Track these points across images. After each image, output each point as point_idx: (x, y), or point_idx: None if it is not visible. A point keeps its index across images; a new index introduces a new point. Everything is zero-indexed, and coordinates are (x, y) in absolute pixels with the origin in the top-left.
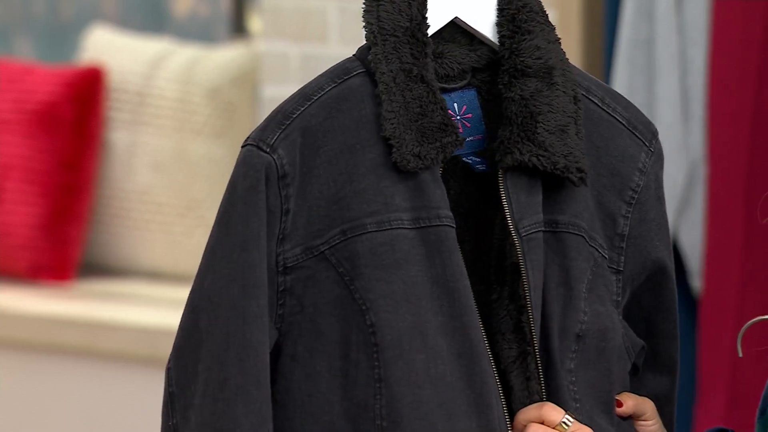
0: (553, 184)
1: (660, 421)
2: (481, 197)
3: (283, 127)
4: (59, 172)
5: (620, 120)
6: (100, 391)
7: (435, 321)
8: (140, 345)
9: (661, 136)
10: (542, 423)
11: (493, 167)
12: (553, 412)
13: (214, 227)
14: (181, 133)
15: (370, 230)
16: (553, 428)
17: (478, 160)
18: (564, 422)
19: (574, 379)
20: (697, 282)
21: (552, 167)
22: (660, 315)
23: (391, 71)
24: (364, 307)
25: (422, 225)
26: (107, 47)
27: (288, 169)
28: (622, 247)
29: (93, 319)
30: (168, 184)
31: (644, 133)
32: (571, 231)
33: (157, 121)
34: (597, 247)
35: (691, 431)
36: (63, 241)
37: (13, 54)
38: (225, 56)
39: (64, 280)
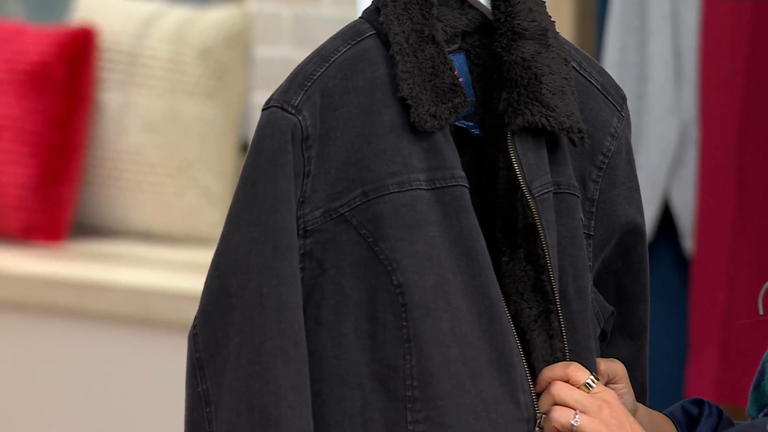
0: (548, 147)
1: (630, 385)
2: (476, 161)
3: (305, 89)
4: (51, 133)
5: (595, 84)
6: (92, 351)
7: (455, 281)
8: (132, 306)
9: (653, 97)
10: (567, 382)
11: (486, 132)
12: (579, 371)
13: (238, 191)
14: (173, 93)
15: (392, 191)
16: (578, 387)
17: (471, 124)
18: (588, 383)
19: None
20: (688, 243)
21: (559, 127)
22: (630, 279)
23: (404, 32)
24: (390, 268)
25: (438, 185)
26: (99, 7)
27: (311, 131)
28: (592, 212)
29: (85, 280)
30: (160, 145)
31: (616, 98)
32: (571, 192)
33: (149, 81)
34: (585, 208)
35: (682, 392)
36: (55, 201)
37: (4, 14)
38: (217, 17)
39: (56, 241)
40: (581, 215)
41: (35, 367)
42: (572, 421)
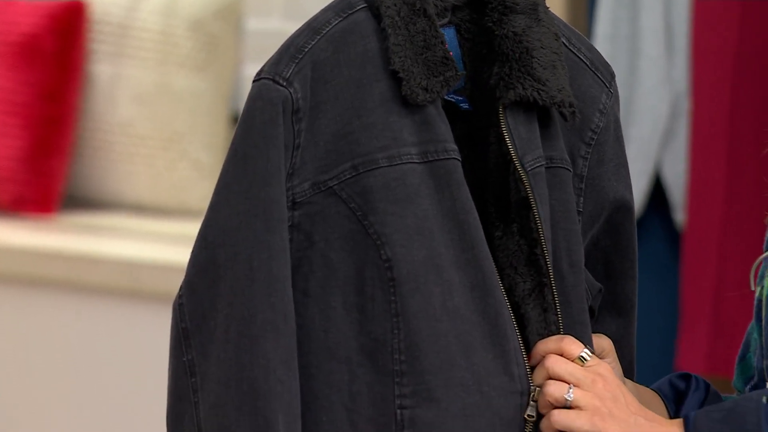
0: (540, 122)
1: (617, 360)
2: (465, 136)
3: (297, 61)
4: (41, 105)
5: (584, 60)
6: (83, 323)
7: (447, 254)
8: (122, 278)
9: (644, 70)
10: (561, 355)
11: (476, 106)
12: (573, 345)
13: (228, 162)
14: (164, 65)
15: (382, 165)
16: (572, 361)
17: (460, 98)
18: (582, 356)
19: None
20: (680, 215)
21: (550, 101)
22: (618, 255)
23: (395, 5)
24: (378, 242)
25: (430, 159)
26: None
27: (302, 103)
28: (581, 188)
29: (76, 252)
30: (150, 117)
31: (605, 74)
32: (564, 166)
33: (140, 53)
34: (581, 189)
35: (673, 365)
36: (46, 173)
37: None
38: None
39: (46, 213)
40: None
41: (25, 339)
42: (566, 396)
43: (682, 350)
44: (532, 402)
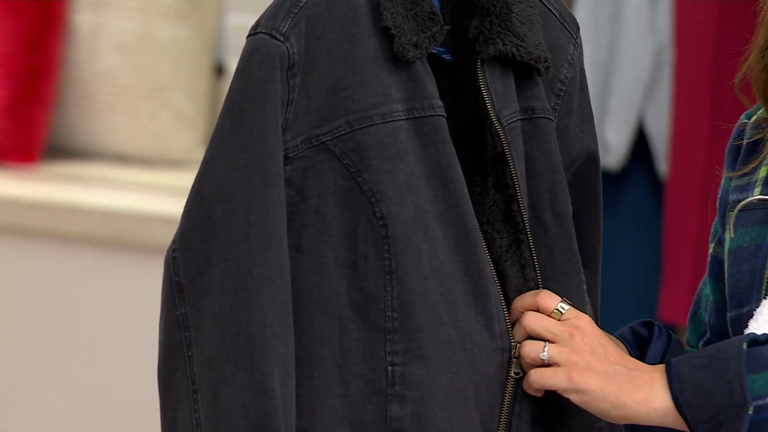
0: (518, 74)
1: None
2: (444, 88)
3: (292, 16)
4: (23, 54)
5: (553, 11)
6: (65, 273)
7: (432, 211)
8: (105, 228)
9: (628, 19)
10: (538, 310)
11: (455, 58)
12: (548, 299)
13: (223, 117)
14: (146, 14)
15: (376, 122)
16: (548, 315)
17: (442, 50)
18: (558, 309)
19: (579, 258)
20: (662, 165)
21: (528, 57)
22: (583, 207)
23: None
24: (373, 200)
25: (417, 115)
26: None
27: (297, 58)
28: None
29: (58, 202)
30: (133, 67)
31: (571, 25)
32: (546, 116)
33: (122, 2)
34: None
35: (655, 313)
36: (28, 123)
37: None
38: None
39: (29, 163)
40: None
41: (6, 289)
42: (541, 356)
43: (664, 300)
44: (514, 359)
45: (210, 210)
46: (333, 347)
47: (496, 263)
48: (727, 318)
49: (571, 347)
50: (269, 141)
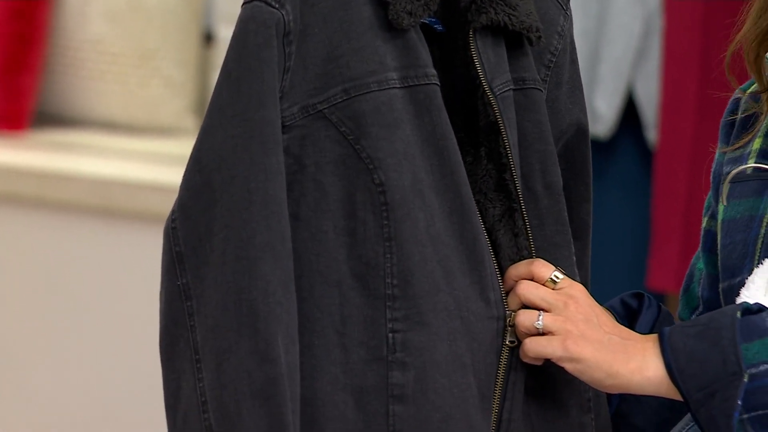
0: (509, 45)
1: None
2: (436, 59)
3: None
4: (12, 22)
5: None
6: (54, 241)
7: (428, 180)
8: (94, 195)
9: None
10: (532, 279)
11: (447, 28)
12: (542, 268)
13: (220, 85)
14: None
15: (373, 89)
16: (543, 284)
17: (433, 20)
18: (552, 278)
19: (570, 229)
20: (652, 134)
21: (520, 26)
22: (573, 179)
23: None
24: (371, 166)
25: (411, 84)
26: None
27: (292, 26)
28: None
29: (47, 170)
30: (122, 34)
31: None
32: (537, 87)
33: None
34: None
35: (644, 281)
36: (17, 90)
37: None
38: None
39: (18, 130)
40: None
41: None
42: (536, 324)
43: (653, 269)
44: (509, 327)
45: (209, 179)
46: (333, 315)
47: (489, 232)
48: (720, 289)
49: (565, 316)
50: (267, 108)
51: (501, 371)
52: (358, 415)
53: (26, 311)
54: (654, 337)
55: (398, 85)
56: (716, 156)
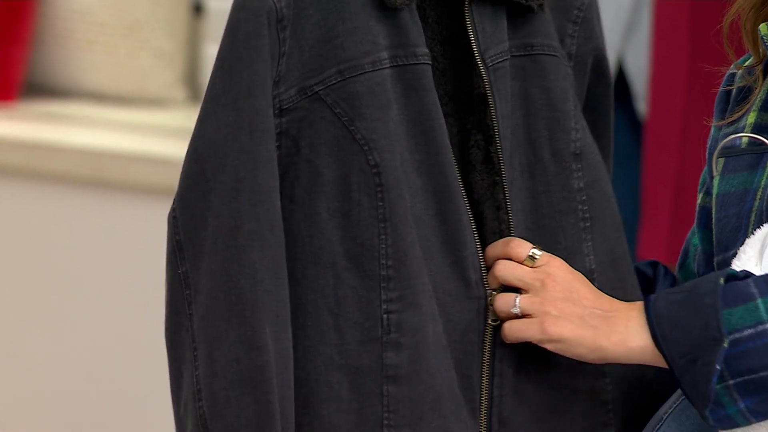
0: (515, 12)
1: None
2: (454, 26)
3: None
4: None
5: None
6: (44, 212)
7: (412, 160)
8: (84, 167)
9: None
10: (510, 258)
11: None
12: (519, 247)
13: (214, 74)
14: None
15: (367, 70)
16: (521, 262)
17: None
18: (530, 255)
19: (584, 197)
20: (642, 105)
21: None
22: (597, 134)
23: None
24: (366, 148)
25: (400, 63)
26: None
27: (285, 11)
28: (570, 66)
29: (36, 140)
30: (111, 5)
31: None
32: (547, 53)
33: None
34: (569, 66)
35: (635, 252)
36: (6, 61)
37: None
38: None
39: (7, 101)
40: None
41: None
42: (513, 310)
43: (643, 240)
44: (490, 306)
45: (204, 167)
46: (327, 296)
47: (478, 204)
48: (714, 264)
49: (542, 297)
50: (257, 98)
51: (486, 349)
52: (353, 396)
53: (15, 282)
54: (639, 305)
55: (388, 65)
56: (711, 130)
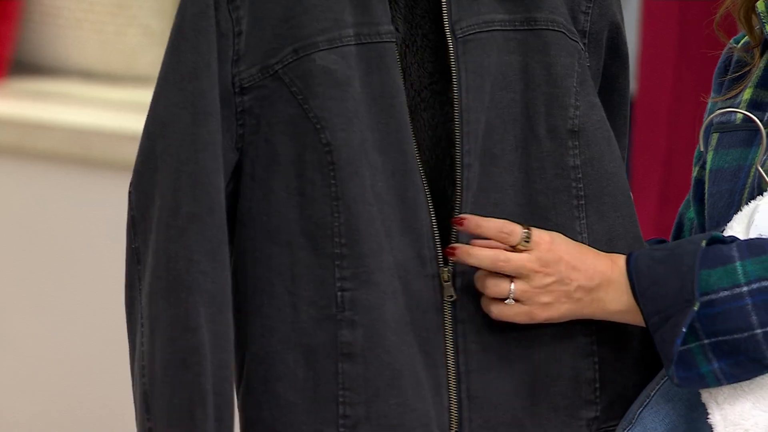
0: None
1: None
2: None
3: None
4: None
5: None
6: (32, 190)
7: (372, 138)
8: (72, 145)
9: None
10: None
11: None
12: (510, 234)
13: (166, 54)
14: None
15: (322, 48)
16: (515, 246)
17: None
18: (525, 238)
19: (579, 175)
20: (631, 84)
21: None
22: (613, 113)
23: None
24: (318, 126)
25: (363, 41)
26: None
27: None
28: (584, 43)
29: (24, 118)
30: None
31: None
32: (550, 27)
33: None
34: (578, 41)
35: None
36: None
37: None
38: None
39: None
40: (578, 45)
41: None
42: (507, 301)
43: None
44: (444, 283)
45: (154, 146)
46: (284, 275)
47: (438, 181)
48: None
49: (536, 287)
50: (200, 79)
51: (447, 326)
52: (308, 374)
53: (3, 259)
54: (623, 263)
55: (353, 42)
56: (708, 105)
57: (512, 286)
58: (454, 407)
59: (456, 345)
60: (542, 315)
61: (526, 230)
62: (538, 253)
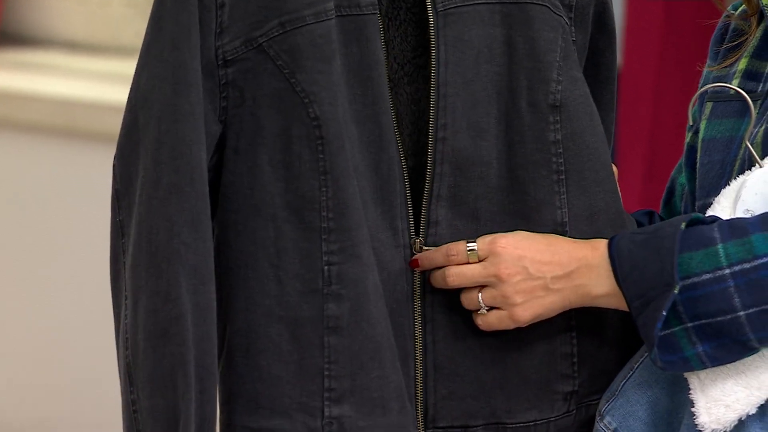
0: None
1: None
2: None
3: None
4: None
5: None
6: (17, 161)
7: (351, 110)
8: (57, 116)
9: None
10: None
11: None
12: (454, 252)
13: (148, 25)
14: None
15: (309, 22)
16: (466, 262)
17: None
18: (470, 251)
19: (560, 150)
20: (617, 56)
21: None
22: (599, 87)
23: None
24: (306, 101)
25: (343, 14)
26: None
27: None
28: (570, 18)
29: (9, 90)
30: None
31: None
32: (534, 1)
33: None
34: (562, 15)
35: None
36: None
37: None
38: None
39: None
40: (563, 19)
41: None
42: (480, 312)
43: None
44: (414, 253)
45: (136, 118)
46: (268, 248)
47: (417, 156)
48: (695, 207)
49: (502, 290)
50: (181, 50)
51: (416, 296)
52: (293, 347)
53: None
54: (604, 247)
55: (334, 15)
56: (704, 73)
57: (479, 295)
58: (419, 377)
59: (424, 315)
60: (525, 314)
61: (470, 243)
62: (493, 258)
